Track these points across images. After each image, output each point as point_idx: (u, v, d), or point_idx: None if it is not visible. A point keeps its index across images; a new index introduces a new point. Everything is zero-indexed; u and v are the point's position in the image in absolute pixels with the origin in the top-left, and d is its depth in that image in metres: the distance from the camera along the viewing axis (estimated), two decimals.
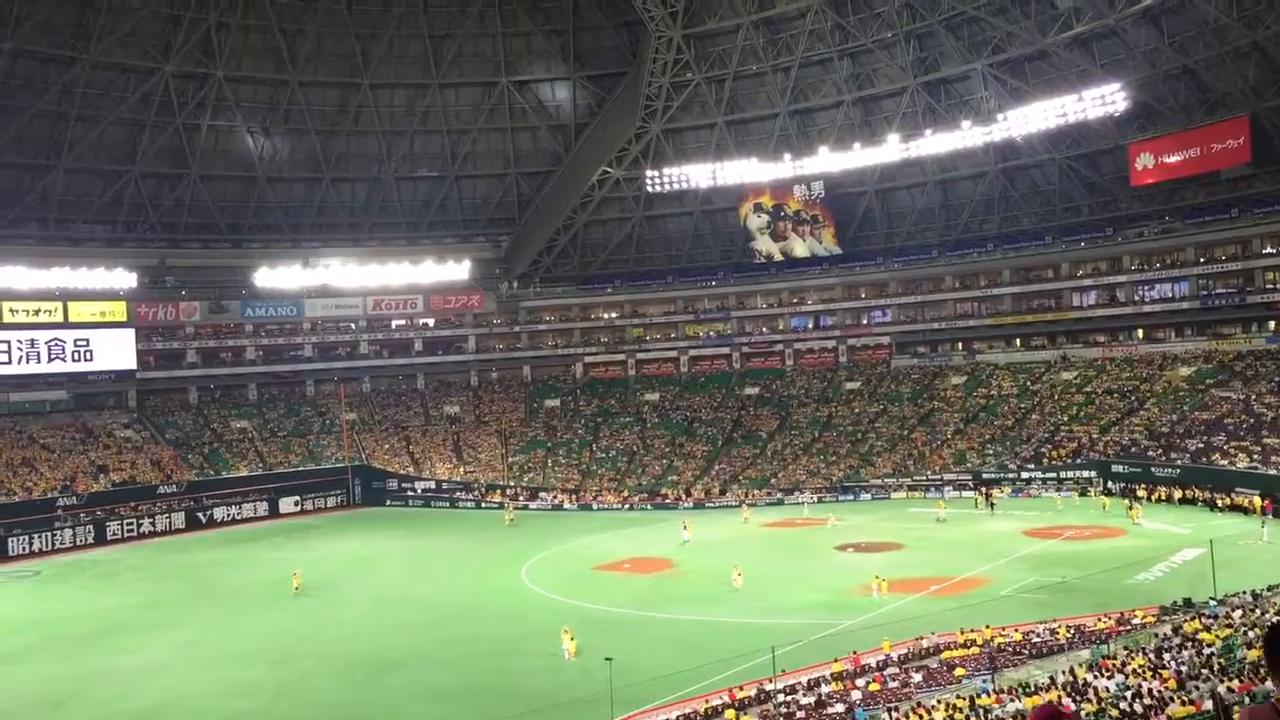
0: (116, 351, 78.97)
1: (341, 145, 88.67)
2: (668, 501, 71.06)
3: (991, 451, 69.27)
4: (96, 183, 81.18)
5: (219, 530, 69.31)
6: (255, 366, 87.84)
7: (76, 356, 77.47)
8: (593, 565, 50.86)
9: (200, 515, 70.42)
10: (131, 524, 67.02)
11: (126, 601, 47.84)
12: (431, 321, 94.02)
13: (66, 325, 77.10)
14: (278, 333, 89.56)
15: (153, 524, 67.99)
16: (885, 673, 30.84)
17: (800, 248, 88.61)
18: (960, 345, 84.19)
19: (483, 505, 74.31)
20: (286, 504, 74.52)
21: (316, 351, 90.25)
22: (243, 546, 62.24)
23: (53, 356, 76.50)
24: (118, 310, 79.62)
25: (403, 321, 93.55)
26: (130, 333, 79.82)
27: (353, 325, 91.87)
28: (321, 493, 76.80)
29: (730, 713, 28.29)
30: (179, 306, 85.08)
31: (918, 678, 30.32)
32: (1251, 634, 27.30)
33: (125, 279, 79.46)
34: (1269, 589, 33.38)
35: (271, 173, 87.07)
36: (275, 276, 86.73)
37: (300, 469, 77.89)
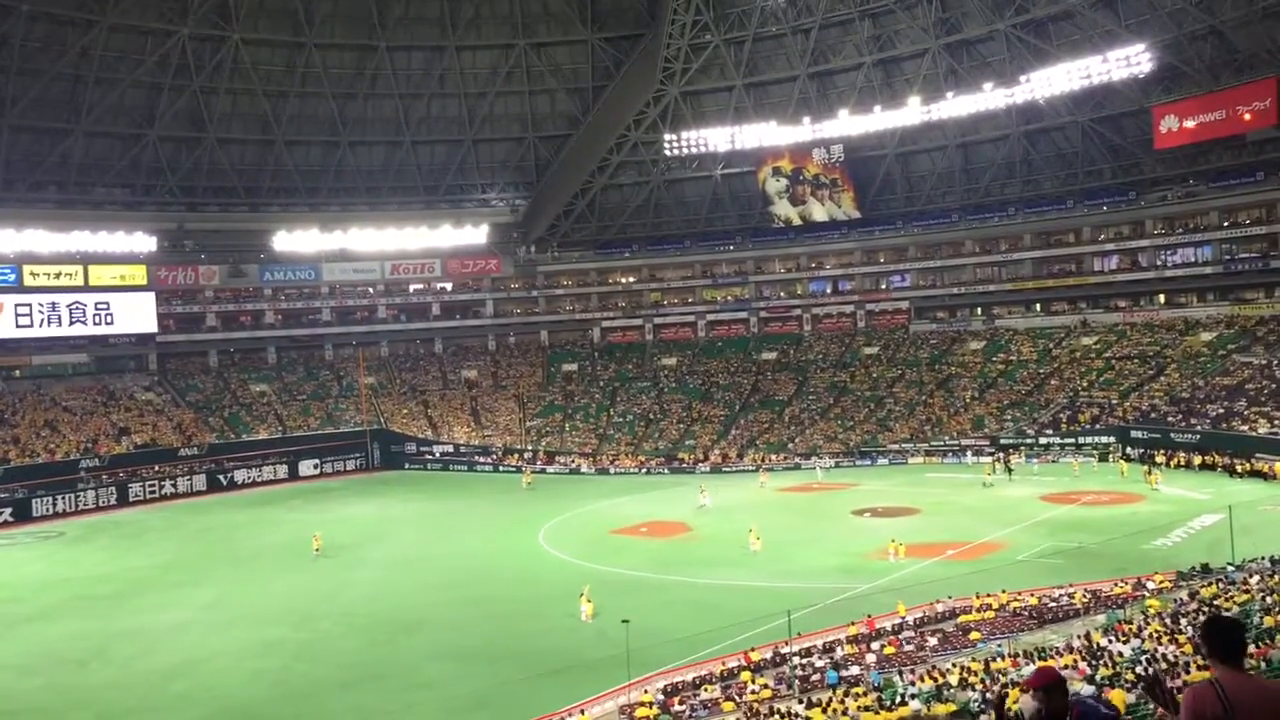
0: (137, 315, 79.43)
1: (359, 108, 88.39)
2: (685, 465, 71.23)
3: (1010, 417, 69.03)
4: (115, 146, 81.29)
5: (239, 492, 69.99)
6: (274, 330, 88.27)
7: (97, 320, 77.95)
8: (610, 529, 51.10)
9: (221, 477, 71.09)
10: (153, 486, 67.74)
11: (149, 562, 48.43)
12: (449, 286, 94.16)
13: (87, 289, 77.51)
14: (296, 296, 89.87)
15: (174, 486, 68.74)
16: (901, 636, 30.96)
17: (819, 212, 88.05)
18: (979, 310, 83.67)
19: (500, 469, 74.70)
20: (306, 467, 75.13)
21: (335, 315, 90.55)
22: (263, 509, 62.83)
23: (74, 319, 77.02)
24: (137, 274, 79.98)
25: (420, 286, 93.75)
26: (150, 296, 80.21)
27: (370, 289, 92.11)
28: (341, 456, 77.35)
29: (746, 675, 28.48)
30: (198, 270, 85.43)
31: (933, 641, 30.43)
32: (1270, 599, 27.24)
33: (145, 242, 79.71)
34: None
35: (289, 136, 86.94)
36: (293, 240, 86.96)
37: (319, 432, 78.40)
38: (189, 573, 45.31)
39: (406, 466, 77.47)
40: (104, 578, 45.09)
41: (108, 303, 78.17)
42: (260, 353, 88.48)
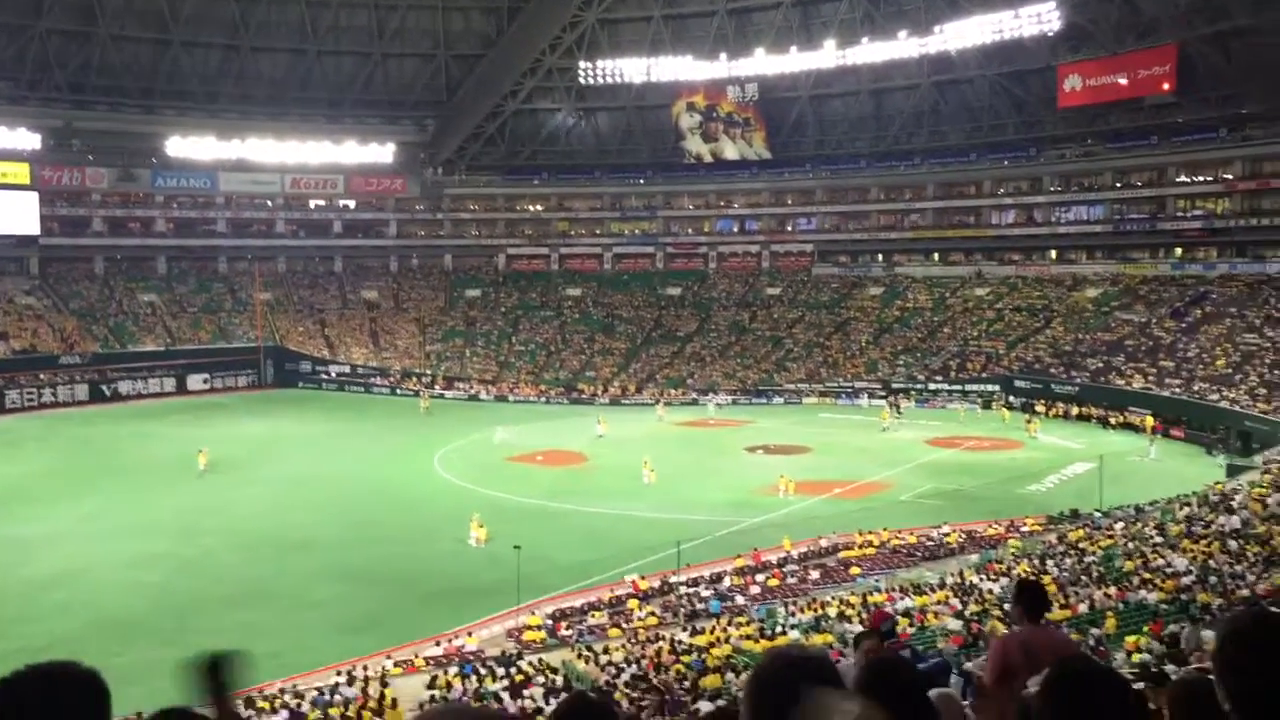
0: (18, 215, 75.56)
1: (262, 12, 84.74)
2: (584, 396, 71.50)
3: (902, 362, 70.85)
4: None
5: (124, 404, 67.95)
6: (165, 239, 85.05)
7: None
8: (506, 456, 51.18)
9: (104, 388, 68.87)
10: (32, 394, 65.32)
11: (26, 470, 46.96)
12: (352, 204, 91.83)
13: None
14: (190, 205, 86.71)
15: (54, 394, 66.38)
16: (784, 569, 31.90)
17: (730, 150, 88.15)
18: (880, 257, 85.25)
19: (398, 392, 73.90)
20: (195, 381, 73.23)
21: (230, 227, 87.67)
22: (148, 422, 61.17)
23: None
24: (20, 173, 75.96)
25: (322, 202, 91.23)
26: (33, 196, 76.32)
27: (269, 203, 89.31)
28: (232, 372, 75.58)
29: (634, 602, 29.08)
30: (85, 172, 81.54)
31: (815, 575, 31.44)
32: (1131, 545, 28.79)
33: (28, 139, 75.72)
34: (1150, 503, 35.09)
35: (186, 37, 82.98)
36: (188, 147, 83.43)
37: (210, 347, 76.33)
38: (68, 483, 44.03)
39: (301, 385, 76.08)
40: None
41: None
42: (150, 261, 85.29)
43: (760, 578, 30.90)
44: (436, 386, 73.71)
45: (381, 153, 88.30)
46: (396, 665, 24.48)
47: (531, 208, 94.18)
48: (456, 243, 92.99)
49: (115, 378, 70.03)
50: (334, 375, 76.69)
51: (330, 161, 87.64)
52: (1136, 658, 17.10)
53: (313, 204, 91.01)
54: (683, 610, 28.37)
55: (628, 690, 20.03)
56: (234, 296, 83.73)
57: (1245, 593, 20.71)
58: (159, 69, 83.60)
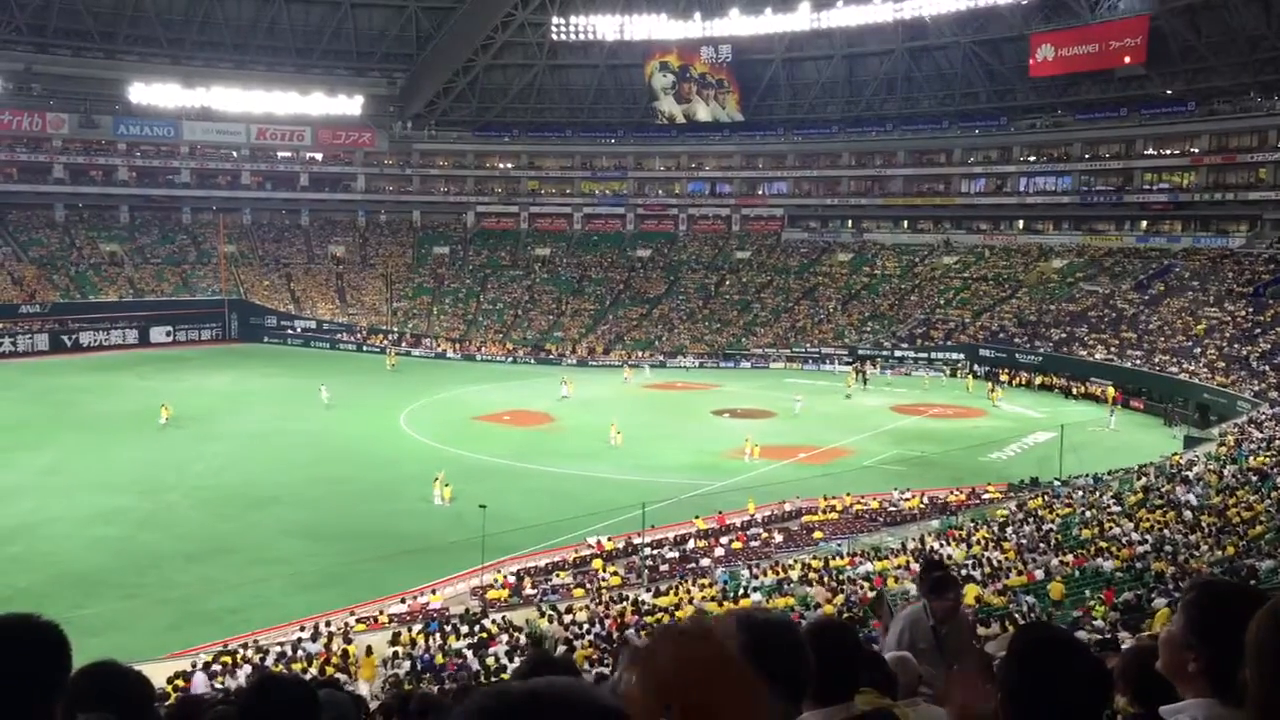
0: None
1: None
2: (551, 357, 71.40)
3: (869, 329, 71.21)
4: None
5: (85, 355, 67.01)
6: (128, 188, 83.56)
7: None
8: (472, 415, 51.06)
9: (65, 338, 67.93)
10: None
11: None
12: (319, 156, 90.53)
13: None
14: (153, 154, 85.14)
15: (13, 344, 65.38)
16: (748, 532, 32.16)
17: (703, 112, 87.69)
18: (850, 223, 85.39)
19: (364, 348, 73.45)
20: (158, 333, 72.35)
21: (195, 178, 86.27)
22: (110, 374, 60.35)
23: None
24: None
25: (288, 154, 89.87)
26: None
27: (234, 153, 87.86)
28: (196, 325, 74.74)
29: (598, 563, 29.25)
30: (46, 117, 79.80)
31: (779, 538, 31.73)
32: (1088, 514, 29.25)
33: None
34: (1109, 473, 35.62)
35: None
36: (151, 93, 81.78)
37: (174, 299, 75.41)
38: (27, 435, 43.47)
39: (265, 340, 75.38)
40: None
41: None
42: (112, 210, 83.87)
43: (724, 540, 31.15)
44: (403, 344, 73.30)
45: (350, 105, 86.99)
46: (360, 621, 24.50)
47: (501, 165, 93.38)
48: (425, 199, 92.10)
49: (76, 328, 69.08)
50: (299, 330, 76.04)
51: (297, 113, 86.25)
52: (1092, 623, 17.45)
53: (279, 155, 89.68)
54: (646, 571, 28.56)
55: (589, 650, 20.17)
56: (198, 248, 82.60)
57: (1194, 566, 21.12)
58: (122, 12, 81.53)
